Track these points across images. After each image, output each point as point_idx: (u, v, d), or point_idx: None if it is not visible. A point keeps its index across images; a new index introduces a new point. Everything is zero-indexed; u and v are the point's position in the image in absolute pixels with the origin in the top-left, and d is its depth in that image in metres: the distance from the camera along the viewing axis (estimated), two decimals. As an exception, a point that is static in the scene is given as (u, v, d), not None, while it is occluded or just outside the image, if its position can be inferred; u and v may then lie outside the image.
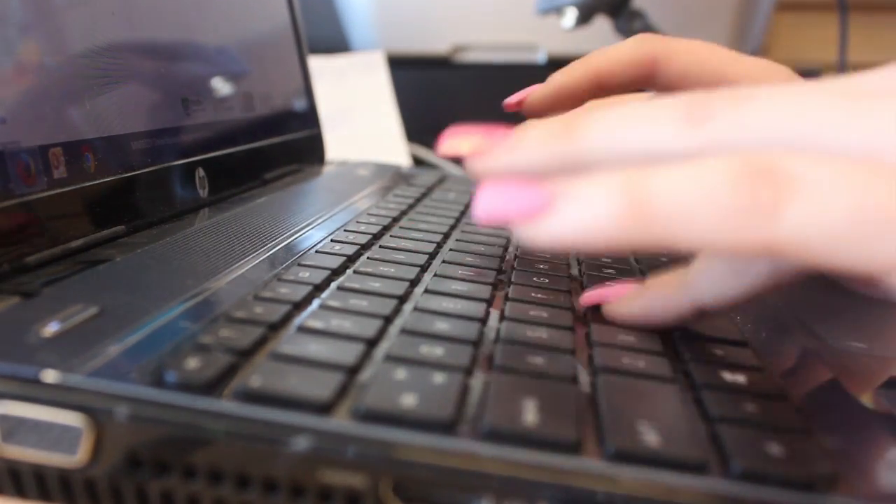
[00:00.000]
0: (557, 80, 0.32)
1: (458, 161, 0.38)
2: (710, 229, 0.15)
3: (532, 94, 0.33)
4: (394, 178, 0.50)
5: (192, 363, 0.17)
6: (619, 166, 0.17)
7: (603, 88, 0.31)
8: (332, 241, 0.30)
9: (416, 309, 0.23)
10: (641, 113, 0.18)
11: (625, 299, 0.23)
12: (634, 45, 0.30)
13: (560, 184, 0.17)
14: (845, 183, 0.15)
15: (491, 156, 0.20)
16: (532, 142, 0.19)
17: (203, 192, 0.36)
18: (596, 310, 0.25)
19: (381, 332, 0.21)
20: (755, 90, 0.17)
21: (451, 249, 0.31)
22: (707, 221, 0.15)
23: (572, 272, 0.30)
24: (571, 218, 0.16)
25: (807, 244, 0.15)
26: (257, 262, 0.27)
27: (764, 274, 0.20)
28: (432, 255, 0.30)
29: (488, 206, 0.17)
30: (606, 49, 0.31)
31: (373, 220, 0.35)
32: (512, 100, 0.33)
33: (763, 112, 0.16)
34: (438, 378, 0.18)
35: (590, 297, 0.25)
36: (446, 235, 0.34)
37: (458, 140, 0.22)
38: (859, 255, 0.15)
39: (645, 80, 0.30)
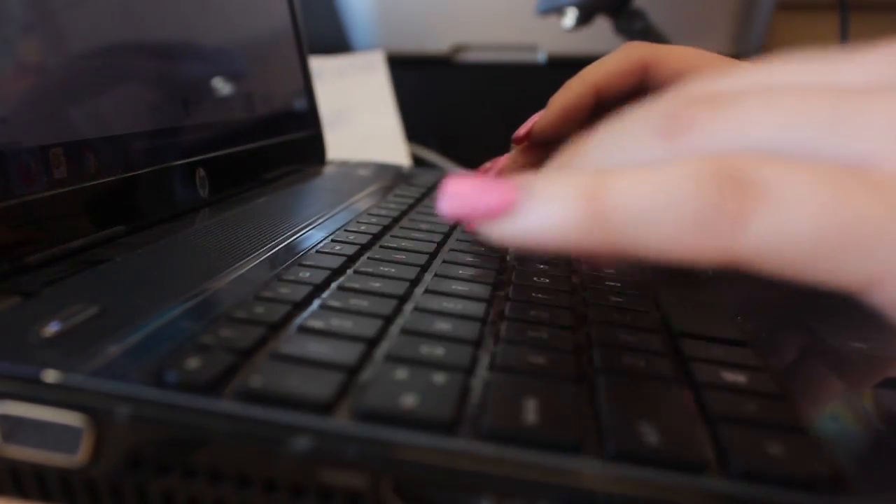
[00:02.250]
0: (559, 101, 0.32)
1: (459, 163, 0.38)
2: (669, 237, 0.14)
3: (538, 122, 0.33)
4: (394, 178, 0.50)
5: (193, 363, 0.17)
6: None
7: (603, 101, 0.31)
8: (332, 241, 0.30)
9: (416, 309, 0.23)
10: (616, 130, 0.17)
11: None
12: (624, 54, 0.30)
13: (526, 182, 0.16)
14: (818, 192, 0.14)
15: (505, 221, 0.17)
16: (552, 207, 0.16)
17: (203, 193, 0.36)
18: (598, 310, 0.25)
19: (382, 332, 0.21)
20: (736, 94, 0.16)
21: (451, 249, 0.31)
22: (667, 229, 0.14)
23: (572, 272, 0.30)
24: (533, 219, 0.16)
25: (773, 256, 0.14)
26: (257, 262, 0.27)
27: None
28: (433, 255, 0.30)
29: (453, 201, 0.17)
30: (598, 63, 0.31)
31: (373, 220, 0.35)
32: (520, 132, 0.34)
33: (743, 121, 0.15)
34: (439, 378, 0.18)
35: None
36: (447, 235, 0.34)
37: (460, 196, 0.18)
38: (829, 270, 0.14)
39: (639, 86, 0.30)
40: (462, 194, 0.17)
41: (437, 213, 0.16)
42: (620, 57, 0.31)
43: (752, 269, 0.14)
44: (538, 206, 0.16)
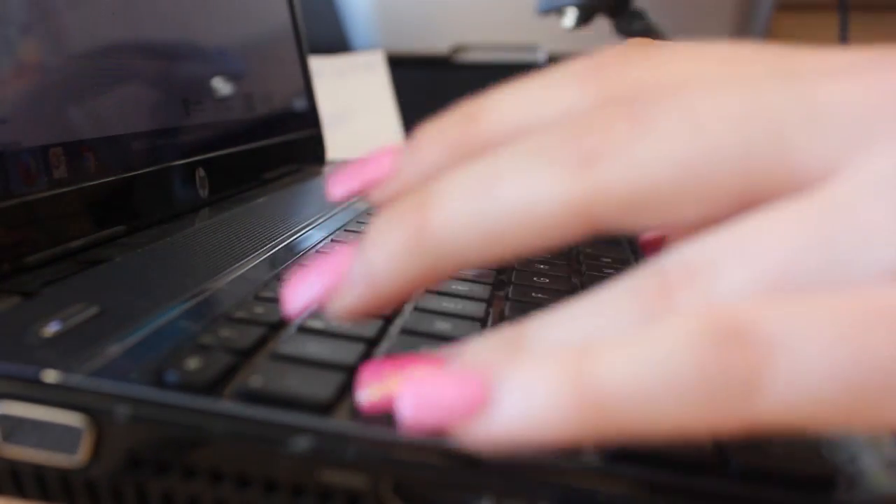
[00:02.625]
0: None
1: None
2: (677, 416, 0.12)
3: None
4: (394, 178, 0.50)
5: (193, 363, 0.17)
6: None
7: None
8: (332, 241, 0.30)
9: (416, 309, 0.23)
10: (586, 307, 0.14)
11: None
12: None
13: (494, 368, 0.13)
14: (832, 335, 0.12)
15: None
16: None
17: (203, 192, 0.36)
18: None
19: (382, 332, 0.21)
20: (710, 259, 0.13)
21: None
22: (671, 409, 0.12)
23: (573, 271, 0.30)
24: (512, 413, 0.13)
25: (799, 416, 0.12)
26: (257, 262, 0.27)
27: None
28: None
29: (416, 412, 0.14)
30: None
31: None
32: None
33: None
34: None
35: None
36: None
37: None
38: (863, 417, 0.12)
39: None
40: (425, 401, 0.14)
41: (400, 424, 0.14)
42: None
43: (786, 432, 0.12)
44: (517, 397, 0.13)
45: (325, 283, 0.17)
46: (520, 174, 0.15)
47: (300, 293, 0.17)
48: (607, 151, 0.14)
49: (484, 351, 0.15)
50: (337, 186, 0.18)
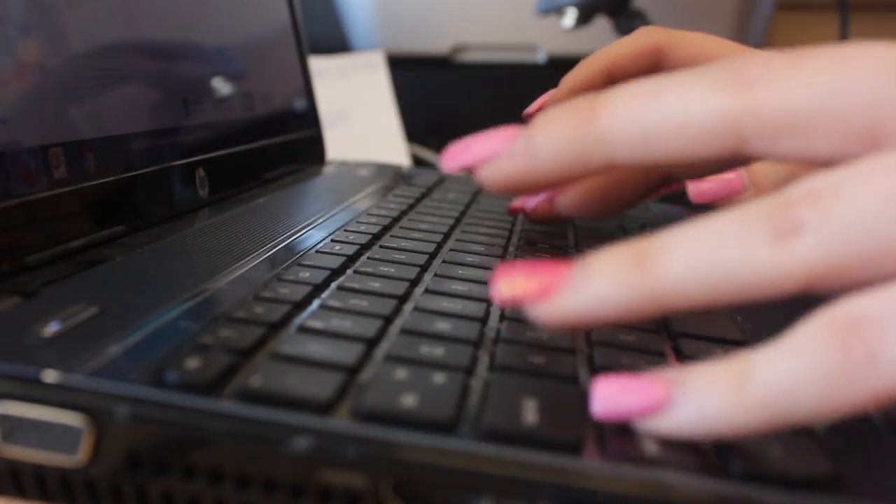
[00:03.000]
0: (570, 81, 0.32)
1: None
2: (816, 401, 0.15)
3: (548, 101, 0.33)
4: (394, 178, 0.50)
5: (193, 363, 0.17)
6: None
7: (613, 83, 0.31)
8: (332, 241, 0.30)
9: (416, 309, 0.23)
10: (722, 230, 0.16)
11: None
12: (638, 38, 0.30)
13: (671, 375, 0.16)
14: None
15: (558, 298, 0.17)
16: (603, 278, 0.17)
17: (203, 192, 0.36)
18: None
19: (382, 332, 0.21)
20: (834, 185, 0.15)
21: (451, 249, 0.31)
22: (812, 395, 0.15)
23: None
24: (690, 414, 0.16)
25: None
26: (257, 262, 0.27)
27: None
28: (432, 255, 0.30)
29: (606, 401, 0.17)
30: (613, 45, 0.31)
31: (373, 220, 0.35)
32: (531, 108, 0.34)
33: (854, 214, 0.15)
34: (439, 378, 0.18)
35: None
36: (446, 235, 0.34)
37: (512, 280, 0.18)
38: None
39: (652, 70, 0.30)
40: (615, 394, 0.17)
41: (591, 415, 0.17)
42: (635, 40, 0.31)
43: None
44: (694, 399, 0.16)
45: (486, 151, 0.19)
46: (684, 89, 0.17)
47: (459, 156, 0.19)
48: (763, 77, 0.16)
49: (612, 263, 0.17)
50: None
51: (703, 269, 0.16)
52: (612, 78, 0.31)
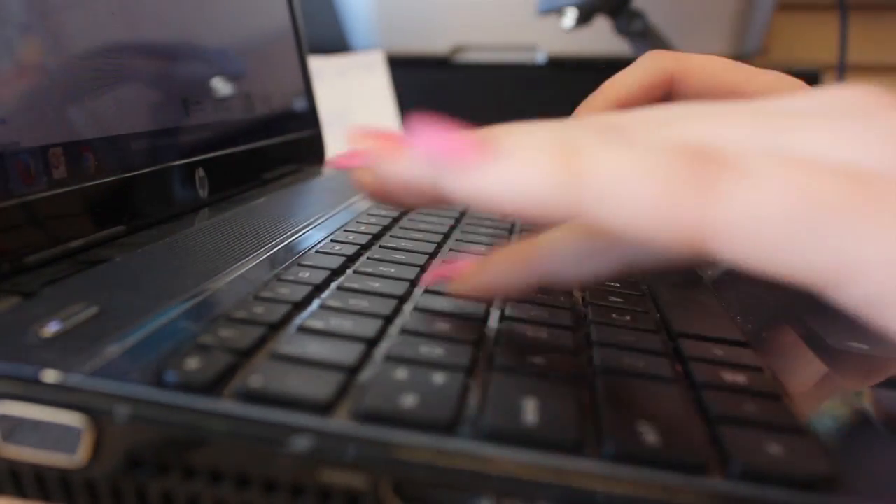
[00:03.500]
0: (583, 114, 0.30)
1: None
2: (641, 210, 0.14)
3: None
4: (394, 178, 0.50)
5: (193, 363, 0.17)
6: None
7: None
8: (332, 241, 0.30)
9: (416, 309, 0.23)
10: (655, 160, 0.15)
11: (468, 275, 0.22)
12: (649, 67, 0.29)
13: (494, 135, 0.16)
14: (792, 175, 0.14)
15: (469, 172, 0.16)
16: (526, 163, 0.16)
17: (203, 193, 0.36)
18: (595, 309, 0.25)
19: (382, 332, 0.21)
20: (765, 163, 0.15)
21: (450, 249, 0.31)
22: (640, 201, 0.14)
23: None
24: (503, 175, 0.15)
25: (741, 236, 0.14)
26: (257, 262, 0.27)
27: (620, 260, 0.20)
28: (432, 255, 0.30)
29: (425, 139, 0.16)
30: (622, 75, 0.29)
31: (373, 220, 0.35)
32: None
33: (770, 202, 0.14)
34: (438, 378, 0.18)
35: (431, 275, 0.24)
36: (446, 235, 0.34)
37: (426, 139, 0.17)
38: (797, 258, 0.14)
39: (663, 100, 0.29)
40: (434, 136, 0.16)
41: (409, 152, 0.17)
42: (645, 69, 0.29)
43: (719, 255, 0.14)
44: (512, 163, 0.15)
45: (458, 149, 0.16)
46: (516, 159, 0.16)
47: (433, 138, 0.17)
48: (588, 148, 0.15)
49: (539, 149, 0.15)
50: (424, 142, 0.18)
51: (628, 194, 0.14)
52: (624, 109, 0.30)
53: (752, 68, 0.28)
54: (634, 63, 0.29)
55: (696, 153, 0.14)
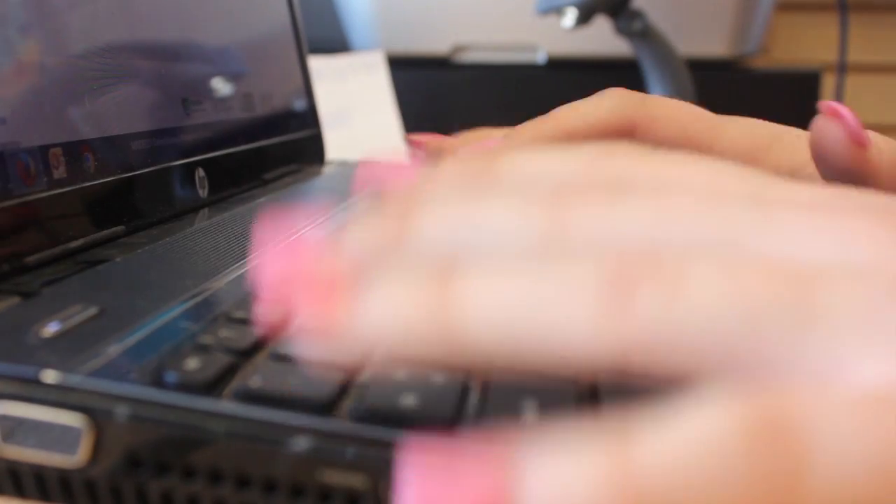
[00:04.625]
0: (525, 139, 0.27)
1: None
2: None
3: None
4: (394, 178, 0.50)
5: (192, 363, 0.17)
6: None
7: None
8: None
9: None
10: (548, 269, 0.13)
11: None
12: (612, 108, 0.26)
13: (512, 458, 0.11)
14: (856, 422, 0.11)
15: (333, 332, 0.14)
16: (392, 298, 0.14)
17: (203, 192, 0.36)
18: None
19: (381, 332, 0.21)
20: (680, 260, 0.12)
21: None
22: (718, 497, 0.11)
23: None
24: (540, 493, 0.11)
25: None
26: (257, 262, 0.27)
27: None
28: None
29: (272, 269, 0.14)
30: (579, 106, 0.26)
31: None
32: None
33: (698, 302, 0.12)
34: (438, 378, 0.18)
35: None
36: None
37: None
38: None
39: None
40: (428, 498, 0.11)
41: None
42: (607, 109, 0.26)
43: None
44: (542, 478, 0.11)
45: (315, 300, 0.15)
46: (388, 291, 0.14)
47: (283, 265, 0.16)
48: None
49: (404, 277, 0.13)
50: (270, 272, 0.16)
51: (511, 318, 0.12)
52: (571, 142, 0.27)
53: (722, 119, 0.26)
54: (597, 96, 0.27)
55: (621, 261, 0.12)
